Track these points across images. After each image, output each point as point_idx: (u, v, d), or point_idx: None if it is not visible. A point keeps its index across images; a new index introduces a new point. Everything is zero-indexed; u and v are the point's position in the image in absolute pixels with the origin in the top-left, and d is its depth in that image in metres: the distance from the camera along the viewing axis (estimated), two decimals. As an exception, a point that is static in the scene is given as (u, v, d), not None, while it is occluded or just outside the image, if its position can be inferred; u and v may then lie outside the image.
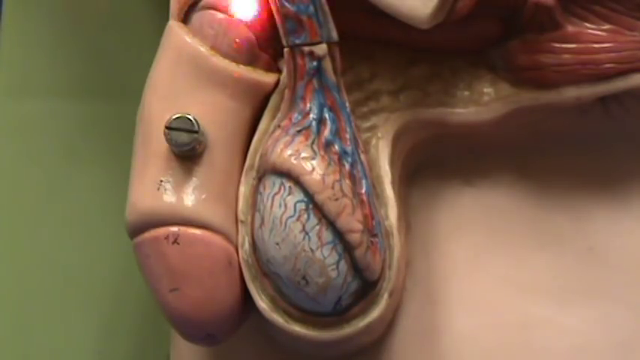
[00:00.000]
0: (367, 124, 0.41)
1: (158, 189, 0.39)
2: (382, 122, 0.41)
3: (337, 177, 0.38)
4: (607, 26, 0.41)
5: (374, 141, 0.41)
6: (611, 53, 0.40)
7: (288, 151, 0.38)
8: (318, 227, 0.37)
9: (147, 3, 0.55)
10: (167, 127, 0.38)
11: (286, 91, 0.39)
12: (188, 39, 0.40)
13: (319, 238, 0.37)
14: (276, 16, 0.38)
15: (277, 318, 0.39)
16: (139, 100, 0.40)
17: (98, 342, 0.50)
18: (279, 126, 0.39)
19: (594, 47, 0.40)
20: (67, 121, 0.53)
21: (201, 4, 0.41)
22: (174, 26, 0.41)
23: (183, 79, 0.40)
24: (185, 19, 0.41)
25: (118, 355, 0.50)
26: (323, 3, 0.38)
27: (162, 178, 0.39)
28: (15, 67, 0.54)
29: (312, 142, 0.38)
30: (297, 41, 0.38)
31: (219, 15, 0.40)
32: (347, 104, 0.39)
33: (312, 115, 0.39)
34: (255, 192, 0.39)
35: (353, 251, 0.38)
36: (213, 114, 0.39)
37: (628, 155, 0.44)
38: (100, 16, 0.55)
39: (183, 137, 0.38)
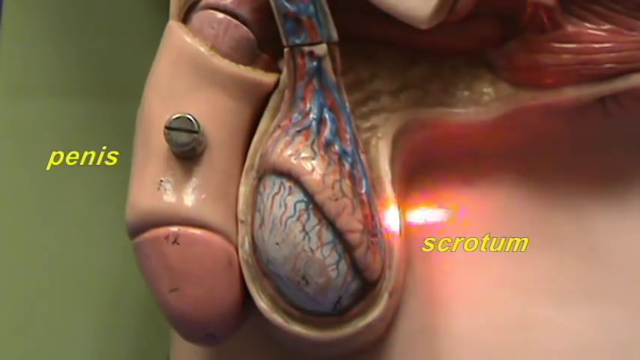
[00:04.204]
0: (367, 124, 0.41)
1: (158, 189, 0.39)
2: (382, 122, 0.41)
3: (337, 177, 0.38)
4: (607, 26, 0.41)
5: (374, 141, 0.41)
6: (611, 53, 0.40)
7: (288, 151, 0.38)
8: (318, 227, 0.37)
9: (147, 3, 0.55)
10: (167, 127, 0.38)
11: (286, 91, 0.39)
12: (188, 39, 0.40)
13: (319, 238, 0.37)
14: (276, 16, 0.38)
15: (277, 318, 0.39)
16: (139, 100, 0.40)
17: (98, 342, 0.50)
18: (279, 126, 0.39)
19: (594, 47, 0.40)
20: (67, 121, 0.53)
21: (201, 4, 0.41)
22: (174, 26, 0.41)
23: (183, 79, 0.40)
24: (185, 19, 0.41)
25: (118, 355, 0.50)
26: (323, 3, 0.38)
27: (162, 178, 0.39)
28: (15, 67, 0.54)
29: (312, 142, 0.38)
30: (297, 41, 0.38)
31: (219, 15, 0.40)
32: (347, 104, 0.39)
33: (312, 115, 0.39)
34: (255, 192, 0.39)
35: (353, 251, 0.38)
36: (213, 114, 0.39)
37: (628, 155, 0.43)
38: (100, 16, 0.55)
39: (183, 137, 0.38)
